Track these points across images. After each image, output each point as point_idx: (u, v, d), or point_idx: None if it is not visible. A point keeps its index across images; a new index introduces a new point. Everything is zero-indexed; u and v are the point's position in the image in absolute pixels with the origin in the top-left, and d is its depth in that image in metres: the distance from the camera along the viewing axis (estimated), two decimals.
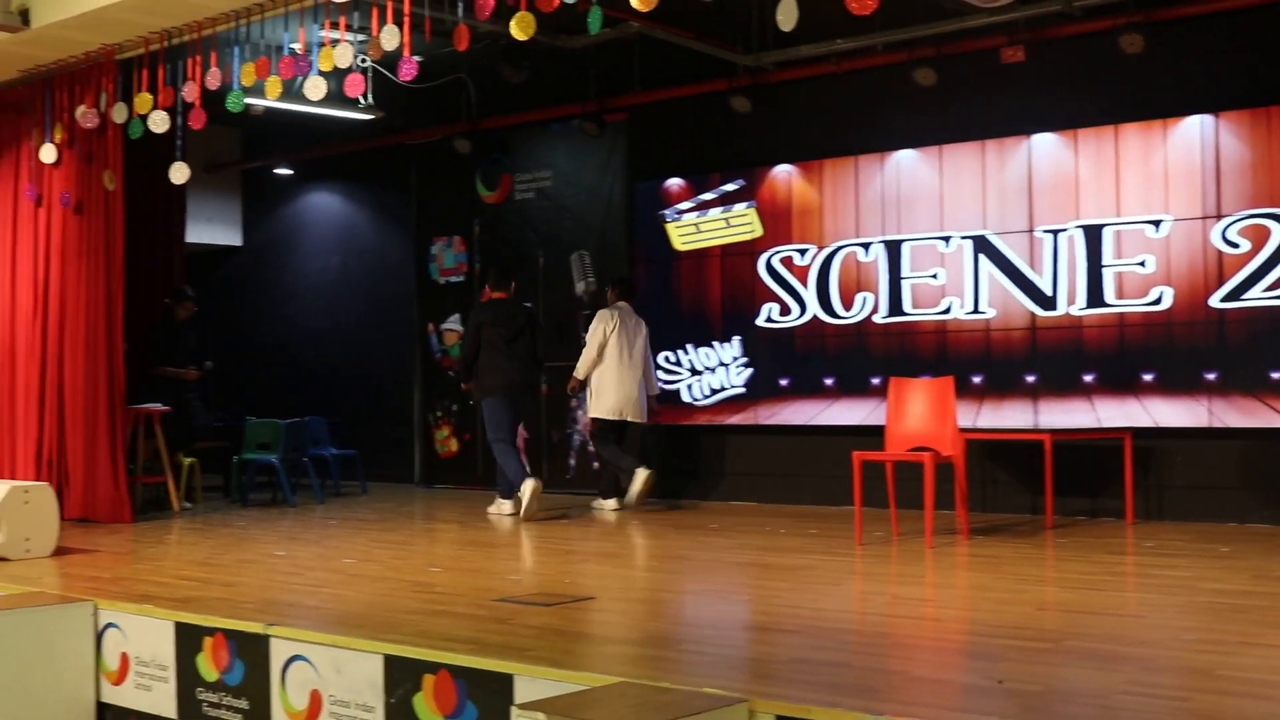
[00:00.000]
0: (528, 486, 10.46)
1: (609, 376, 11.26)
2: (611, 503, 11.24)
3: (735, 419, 11.67)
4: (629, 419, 11.29)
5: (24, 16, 9.84)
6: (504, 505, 11.01)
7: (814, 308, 11.28)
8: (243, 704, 5.87)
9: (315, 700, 5.56)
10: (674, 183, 12.12)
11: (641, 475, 10.85)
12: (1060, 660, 5.09)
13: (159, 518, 11.14)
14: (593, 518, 10.70)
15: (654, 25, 10.12)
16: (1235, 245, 9.44)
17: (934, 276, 10.69)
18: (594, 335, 11.30)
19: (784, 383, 11.45)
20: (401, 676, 5.24)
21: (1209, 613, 6.07)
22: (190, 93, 9.54)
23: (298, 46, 8.95)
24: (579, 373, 11.40)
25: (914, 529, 8.88)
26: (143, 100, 9.85)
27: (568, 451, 12.88)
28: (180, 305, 12.32)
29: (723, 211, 11.81)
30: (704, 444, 12.01)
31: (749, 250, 11.65)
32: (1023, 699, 4.40)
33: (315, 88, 8.91)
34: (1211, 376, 9.50)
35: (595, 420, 11.37)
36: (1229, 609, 6.10)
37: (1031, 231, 10.26)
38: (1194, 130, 9.64)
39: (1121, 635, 5.64)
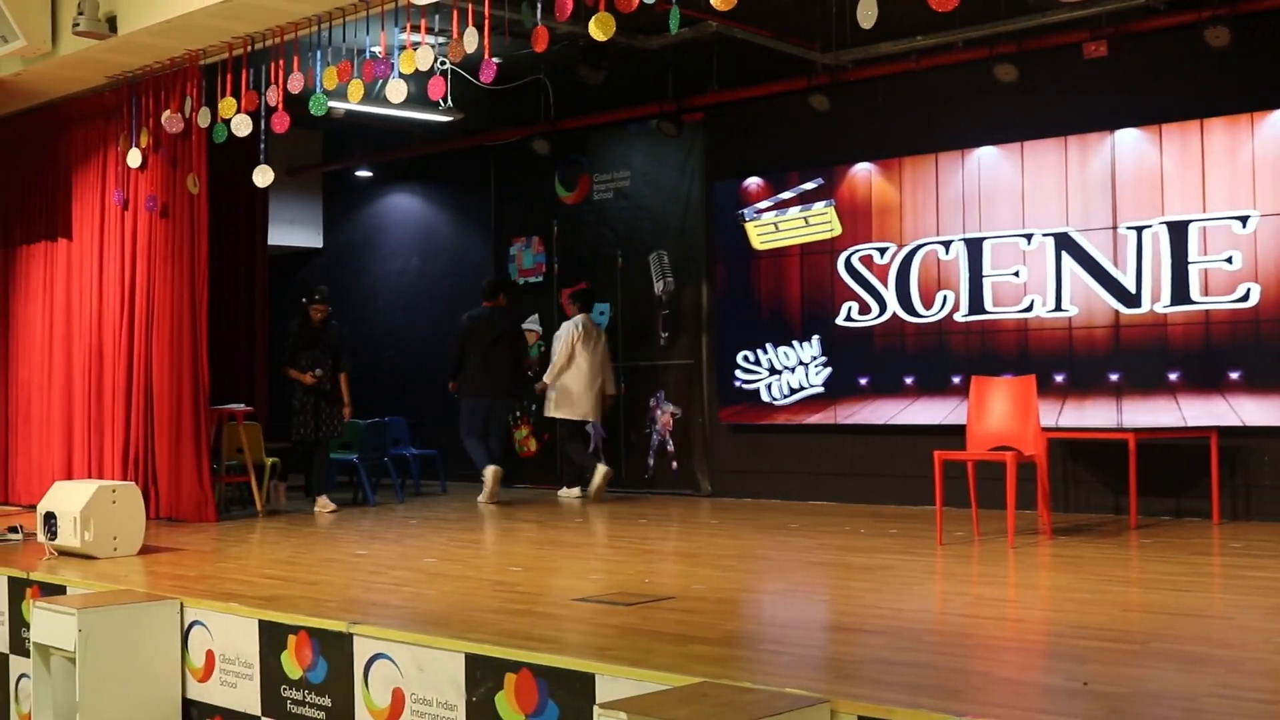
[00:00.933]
0: (488, 472, 11.87)
1: (575, 383, 12.35)
2: (575, 491, 12.55)
3: (814, 418, 11.63)
4: (591, 420, 12.44)
5: (111, 24, 9.99)
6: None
7: (894, 306, 11.22)
8: (326, 702, 5.93)
9: (398, 698, 5.60)
10: (752, 182, 12.10)
11: (601, 470, 11.97)
12: (1146, 662, 5.03)
13: (243, 516, 11.26)
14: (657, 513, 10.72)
15: (732, 24, 10.10)
16: None
17: (1015, 274, 10.60)
18: (563, 345, 12.35)
19: (863, 382, 11.39)
20: (483, 675, 5.27)
21: None
22: (273, 96, 9.64)
23: (379, 49, 9.03)
24: (548, 378, 12.45)
25: (996, 529, 8.80)
26: (226, 105, 9.97)
27: (646, 451, 12.88)
28: (311, 306, 11.83)
29: (801, 210, 11.77)
30: (784, 443, 11.98)
31: (828, 249, 11.61)
32: (1108, 701, 4.35)
33: (396, 90, 8.97)
34: None
35: (562, 421, 12.52)
36: None
37: (1115, 228, 10.14)
38: None
39: (1208, 637, 5.56)
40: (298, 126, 10.36)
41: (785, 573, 8.02)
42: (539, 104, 12.85)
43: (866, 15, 7.00)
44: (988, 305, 10.73)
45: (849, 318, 11.47)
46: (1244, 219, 9.60)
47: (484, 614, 6.26)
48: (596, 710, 4.29)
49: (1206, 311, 9.74)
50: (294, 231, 15.85)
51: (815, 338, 11.66)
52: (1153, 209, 9.98)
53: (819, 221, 11.66)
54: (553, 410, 12.50)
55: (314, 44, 9.61)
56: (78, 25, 9.89)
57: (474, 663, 5.31)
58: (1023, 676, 5.02)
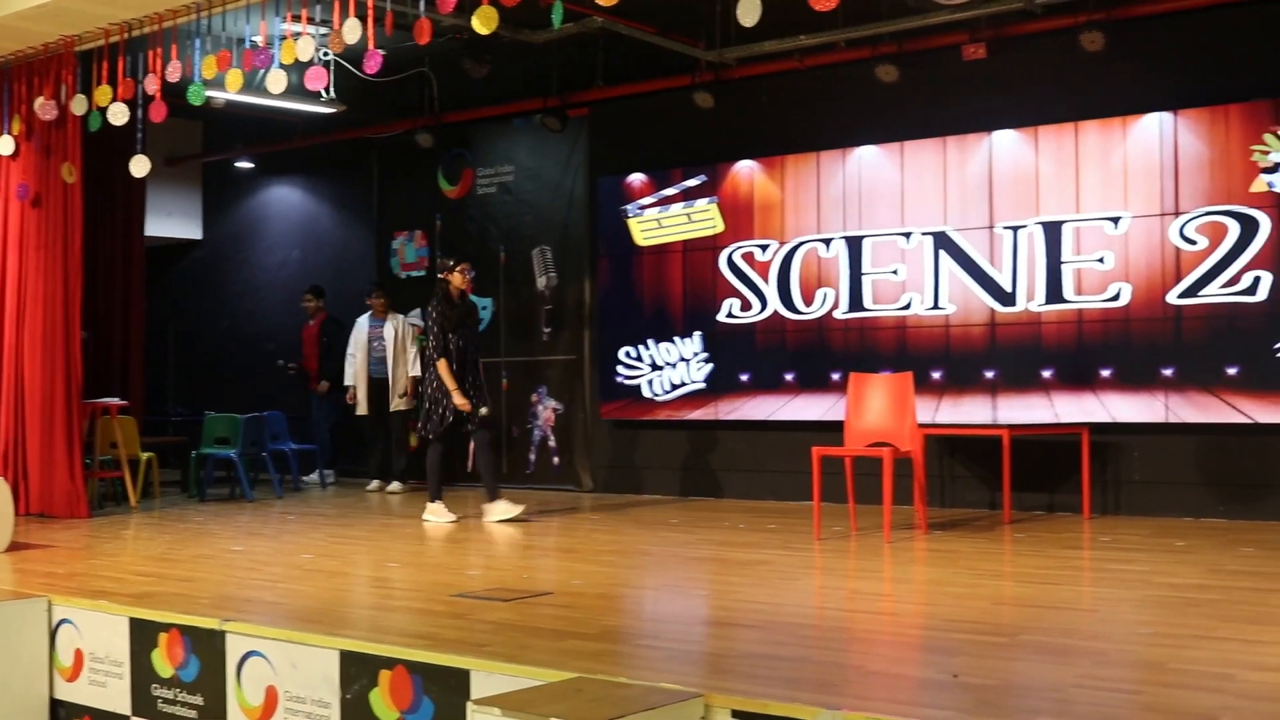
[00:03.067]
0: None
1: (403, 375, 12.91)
2: (377, 484, 12.99)
3: (696, 414, 11.68)
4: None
5: None
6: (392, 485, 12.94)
7: (775, 303, 11.30)
8: (198, 700, 5.84)
9: (271, 696, 5.53)
10: (636, 178, 12.12)
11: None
12: (1015, 654, 5.12)
13: (116, 512, 11.07)
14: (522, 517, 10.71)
15: (617, 20, 10.10)
16: (1193, 242, 9.51)
17: (894, 272, 10.73)
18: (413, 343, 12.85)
19: (744, 378, 11.46)
20: (358, 672, 5.22)
21: (1163, 607, 6.11)
22: (150, 85, 9.48)
23: (259, 39, 8.92)
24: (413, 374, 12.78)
25: (873, 524, 8.90)
26: (102, 92, 9.78)
27: (528, 446, 12.85)
28: (455, 271, 10.30)
29: (685, 207, 11.81)
30: (665, 439, 12.02)
31: (710, 246, 11.67)
32: (978, 693, 4.42)
33: (277, 81, 8.86)
34: (1168, 372, 9.56)
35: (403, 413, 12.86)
36: (1183, 603, 6.14)
37: (992, 228, 10.30)
38: (1153, 128, 9.69)
39: (1076, 629, 5.67)
40: (176, 116, 10.22)
41: (664, 568, 8.04)
42: (423, 97, 12.76)
43: (748, 14, 7.04)
44: (867, 303, 10.84)
45: (730, 314, 11.54)
46: (1116, 220, 9.79)
47: (360, 610, 6.21)
48: (470, 706, 4.28)
49: (1079, 310, 9.93)
50: (172, 223, 15.61)
51: (697, 334, 11.71)
52: (1029, 209, 10.15)
53: (702, 218, 11.71)
54: (401, 405, 12.84)
55: (193, 32, 9.46)
56: None
57: (348, 660, 5.26)
58: (896, 669, 5.08)
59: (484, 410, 10.15)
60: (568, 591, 6.72)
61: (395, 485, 12.82)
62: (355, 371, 12.92)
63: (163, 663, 6.00)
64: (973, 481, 10.37)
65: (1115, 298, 9.78)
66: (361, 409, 12.89)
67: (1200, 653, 5.04)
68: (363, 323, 13.00)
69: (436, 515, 10.14)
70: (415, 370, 12.74)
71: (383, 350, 12.83)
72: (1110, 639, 5.52)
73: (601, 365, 12.29)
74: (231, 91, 9.31)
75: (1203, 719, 4.06)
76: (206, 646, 5.82)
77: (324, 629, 5.60)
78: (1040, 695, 4.41)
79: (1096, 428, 9.68)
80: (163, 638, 6.01)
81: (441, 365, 9.98)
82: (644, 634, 5.83)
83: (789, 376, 11.21)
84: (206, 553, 8.49)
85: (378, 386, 12.84)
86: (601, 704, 4.19)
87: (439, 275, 10.34)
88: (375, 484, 12.97)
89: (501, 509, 10.09)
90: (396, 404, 12.78)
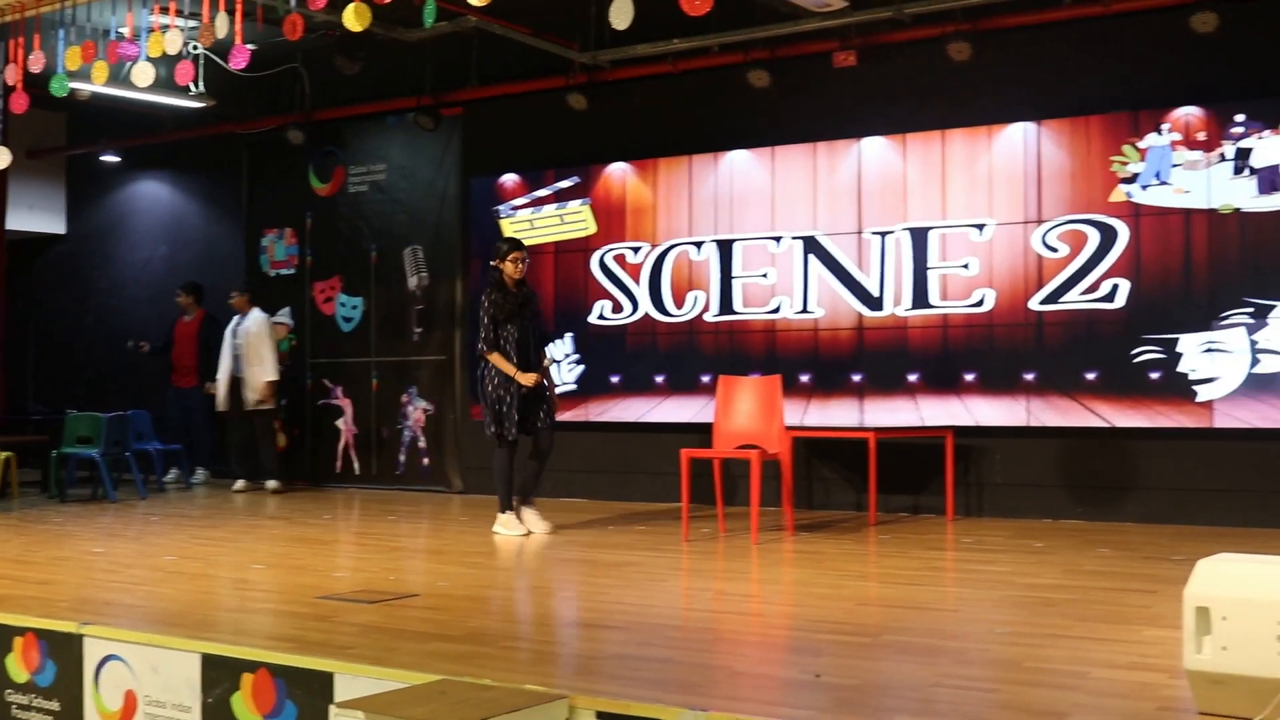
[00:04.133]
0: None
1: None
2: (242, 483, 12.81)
3: (567, 415, 11.66)
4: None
5: None
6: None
7: (646, 305, 11.34)
8: (54, 705, 5.72)
9: (130, 700, 5.44)
10: (509, 179, 12.09)
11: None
12: (878, 654, 5.19)
13: None
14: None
15: (491, 20, 10.09)
16: (1054, 250, 9.72)
17: (764, 276, 10.82)
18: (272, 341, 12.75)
19: (615, 380, 11.49)
20: (219, 676, 5.16)
21: (1021, 606, 6.23)
22: (11, 75, 9.26)
23: (126, 31, 8.75)
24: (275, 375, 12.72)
25: (741, 526, 8.97)
26: None
27: (398, 447, 12.77)
28: (509, 259, 9.26)
29: (557, 208, 11.81)
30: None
31: (582, 247, 11.68)
32: (840, 692, 4.48)
33: (143, 74, 8.71)
34: (1030, 377, 9.76)
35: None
36: (1040, 603, 6.27)
37: (860, 233, 10.44)
38: (1017, 137, 9.89)
39: (938, 629, 5.77)
40: (39, 107, 9.99)
41: (532, 570, 8.04)
42: (294, 93, 12.63)
43: (621, 16, 7.07)
44: (737, 306, 10.93)
45: (602, 316, 11.56)
46: (980, 227, 9.97)
47: (222, 613, 6.13)
48: (333, 710, 4.25)
49: (944, 315, 10.10)
50: (34, 217, 15.26)
51: (568, 335, 11.71)
52: (896, 215, 10.30)
53: (574, 220, 11.72)
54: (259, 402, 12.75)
55: (58, 22, 9.26)
56: None
57: (210, 663, 5.19)
58: (760, 670, 5.13)
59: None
60: (434, 593, 6.69)
61: (272, 484, 12.62)
62: (224, 368, 12.79)
63: (17, 668, 5.86)
64: (839, 484, 10.50)
65: (979, 303, 9.96)
66: (221, 406, 12.80)
67: (1055, 651, 5.15)
68: (232, 322, 12.91)
69: (506, 528, 9.28)
70: (272, 374, 12.61)
71: (240, 349, 12.69)
72: (970, 638, 5.63)
73: (473, 366, 12.23)
74: (97, 84, 9.13)
75: (1056, 716, 4.15)
76: (64, 650, 5.70)
77: (185, 632, 5.53)
78: (901, 694, 4.48)
79: (960, 431, 9.85)
80: (18, 642, 5.87)
81: (494, 357, 9.20)
82: (510, 636, 5.82)
83: (659, 379, 11.25)
84: (66, 554, 8.32)
85: (236, 384, 12.71)
86: (466, 706, 4.19)
87: (491, 263, 9.40)
88: (241, 484, 12.77)
89: (528, 521, 9.38)
90: (253, 403, 12.62)
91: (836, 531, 9.19)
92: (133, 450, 12.36)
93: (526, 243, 10.02)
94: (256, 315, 12.76)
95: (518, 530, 9.26)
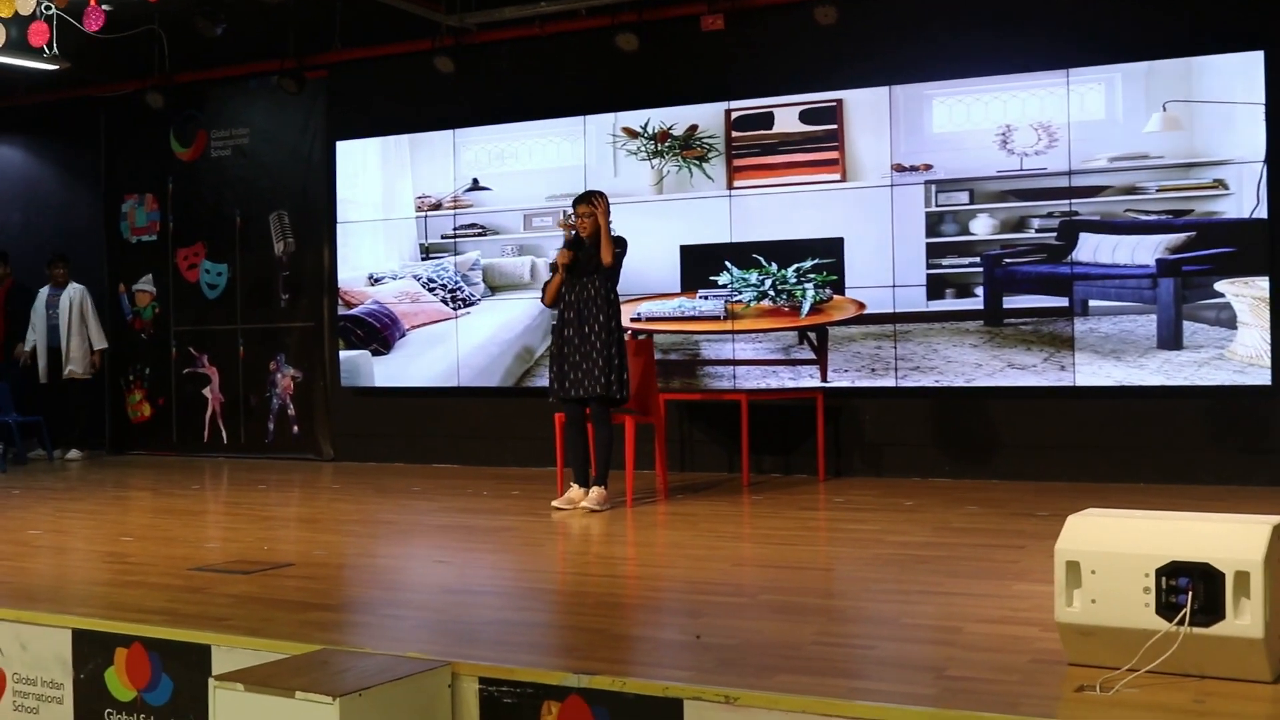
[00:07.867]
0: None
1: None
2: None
3: (439, 381, 11.60)
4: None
5: None
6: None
7: None
8: None
9: None
10: (375, 142, 11.95)
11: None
12: (756, 614, 5.25)
13: None
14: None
15: None
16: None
17: None
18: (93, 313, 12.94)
19: None
20: (91, 651, 5.07)
21: (894, 564, 6.33)
22: None
23: None
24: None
25: (616, 490, 8.97)
26: None
27: (267, 415, 12.60)
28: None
29: None
30: (407, 406, 11.91)
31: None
32: (719, 652, 4.52)
33: None
34: None
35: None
36: (911, 560, 6.38)
37: (731, 196, 10.48)
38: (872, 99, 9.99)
39: (814, 588, 5.86)
40: None
41: (408, 537, 8.00)
42: (153, 56, 12.33)
43: None
44: None
45: None
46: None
47: (92, 587, 6.03)
48: (212, 683, 4.20)
49: None
50: None
51: None
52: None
53: None
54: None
55: None
56: None
57: (81, 638, 5.10)
58: (642, 632, 5.16)
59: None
60: (310, 562, 6.63)
61: (74, 453, 12.85)
62: (35, 338, 12.99)
63: None
64: (712, 447, 10.57)
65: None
66: (42, 377, 12.91)
67: (928, 607, 5.25)
68: (43, 292, 13.01)
69: (563, 504, 8.41)
70: (102, 343, 12.92)
71: (56, 319, 12.82)
72: (844, 596, 5.73)
73: (342, 331, 12.12)
74: None
75: (931, 670, 4.24)
76: None
77: (54, 607, 5.42)
78: (780, 653, 4.53)
79: (830, 392, 9.97)
80: None
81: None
82: (389, 604, 5.79)
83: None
84: None
85: (54, 355, 12.85)
86: (347, 675, 4.16)
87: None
88: (75, 452, 12.87)
89: (594, 497, 8.38)
90: (71, 372, 12.78)
91: (711, 494, 9.26)
92: None
93: None
94: (77, 287, 12.90)
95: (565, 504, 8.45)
